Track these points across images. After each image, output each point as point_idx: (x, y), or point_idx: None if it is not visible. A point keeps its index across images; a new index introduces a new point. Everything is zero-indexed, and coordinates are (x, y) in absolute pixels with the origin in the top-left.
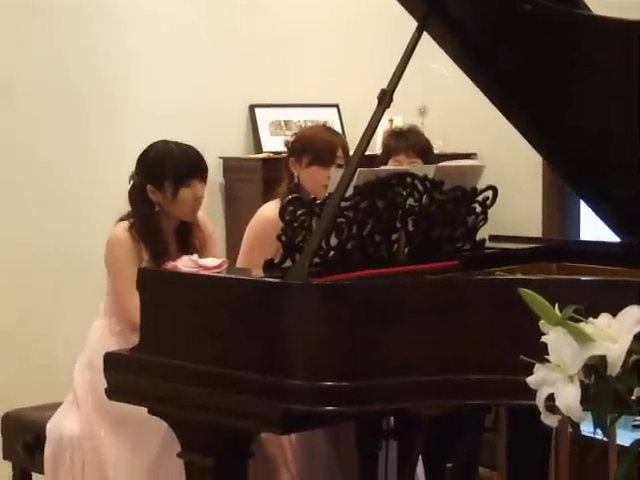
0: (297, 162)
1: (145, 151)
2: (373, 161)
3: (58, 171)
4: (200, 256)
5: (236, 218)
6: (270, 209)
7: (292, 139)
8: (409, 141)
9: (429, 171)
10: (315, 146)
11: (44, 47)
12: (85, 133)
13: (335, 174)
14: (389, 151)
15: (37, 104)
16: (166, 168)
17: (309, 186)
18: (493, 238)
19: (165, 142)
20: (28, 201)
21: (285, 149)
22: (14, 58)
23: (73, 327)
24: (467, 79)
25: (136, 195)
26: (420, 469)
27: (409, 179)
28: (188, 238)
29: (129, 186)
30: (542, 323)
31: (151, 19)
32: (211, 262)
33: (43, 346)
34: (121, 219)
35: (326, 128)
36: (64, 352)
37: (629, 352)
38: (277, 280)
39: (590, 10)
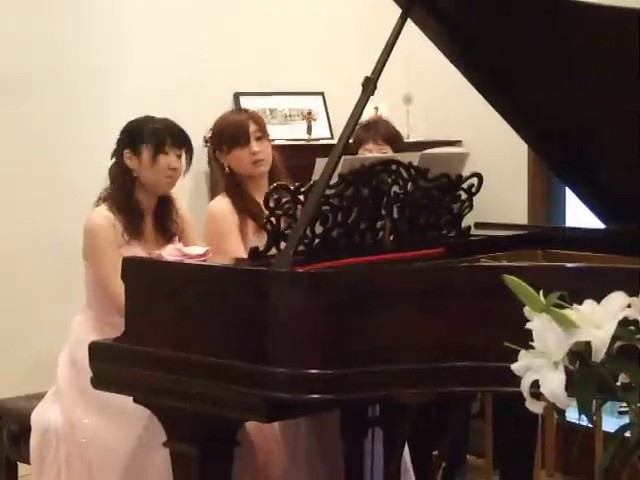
0: (221, 152)
1: (127, 123)
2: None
3: (48, 161)
4: (179, 242)
5: None
6: (216, 204)
7: (209, 135)
8: (377, 130)
9: (414, 158)
10: (227, 132)
11: (35, 40)
12: (72, 121)
13: (320, 162)
14: (359, 142)
15: (27, 94)
16: (145, 132)
17: (241, 169)
18: (478, 225)
19: (149, 116)
20: (16, 191)
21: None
22: (6, 51)
23: (58, 317)
24: (452, 67)
25: (115, 168)
26: (407, 456)
27: (394, 166)
28: (166, 218)
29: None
30: (527, 310)
31: (137, 7)
32: (196, 251)
33: (28, 336)
34: (97, 203)
35: (233, 111)
36: (49, 342)
37: (614, 338)
38: (262, 268)
39: None
